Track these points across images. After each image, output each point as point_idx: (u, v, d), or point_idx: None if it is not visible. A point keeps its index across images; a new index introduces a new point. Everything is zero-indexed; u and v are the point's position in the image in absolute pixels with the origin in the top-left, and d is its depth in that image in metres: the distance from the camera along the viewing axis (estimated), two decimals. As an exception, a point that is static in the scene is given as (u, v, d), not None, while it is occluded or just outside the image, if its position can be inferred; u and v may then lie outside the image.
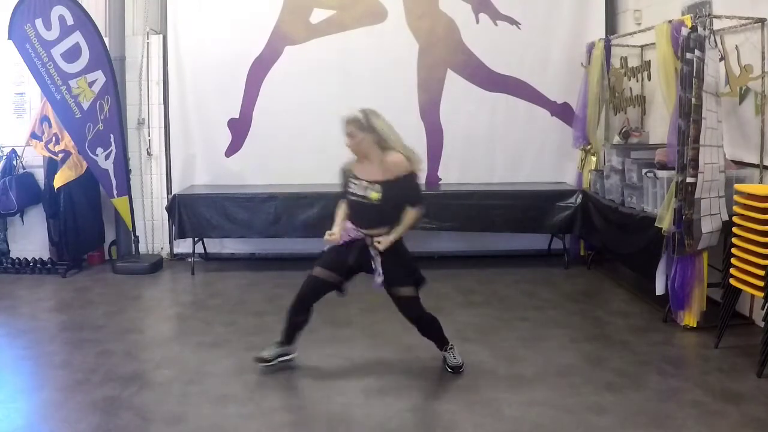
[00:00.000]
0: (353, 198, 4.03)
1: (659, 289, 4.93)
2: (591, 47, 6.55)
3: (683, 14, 5.22)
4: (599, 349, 4.46)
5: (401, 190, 3.95)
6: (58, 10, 6.21)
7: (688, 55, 4.42)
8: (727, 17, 4.73)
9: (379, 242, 3.95)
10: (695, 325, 4.72)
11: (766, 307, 3.92)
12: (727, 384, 3.87)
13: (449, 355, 4.18)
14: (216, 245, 7.14)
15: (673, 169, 4.66)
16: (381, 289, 4.06)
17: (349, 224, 4.08)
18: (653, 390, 3.82)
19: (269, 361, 4.13)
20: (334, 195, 6.44)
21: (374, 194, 3.94)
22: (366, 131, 3.94)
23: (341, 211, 4.18)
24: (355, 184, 4.02)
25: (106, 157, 6.52)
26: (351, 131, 3.96)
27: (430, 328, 4.18)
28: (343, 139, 4.01)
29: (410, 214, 3.99)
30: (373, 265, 4.01)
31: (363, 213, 4.01)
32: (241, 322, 5.13)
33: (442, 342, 4.21)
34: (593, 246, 6.59)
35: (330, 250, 4.13)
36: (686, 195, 4.48)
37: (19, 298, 5.87)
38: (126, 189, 6.67)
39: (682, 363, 4.33)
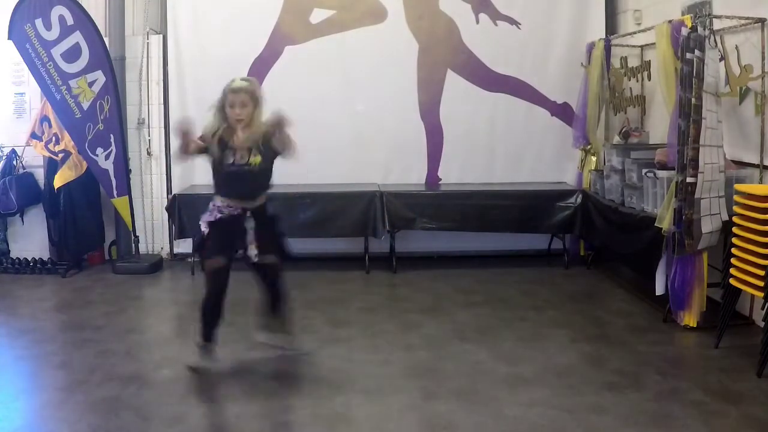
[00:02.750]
0: (231, 169, 3.99)
1: (659, 289, 4.93)
2: (591, 47, 6.55)
3: (683, 14, 5.22)
4: (599, 349, 4.47)
5: (274, 146, 3.99)
6: (58, 10, 6.21)
7: (688, 55, 4.42)
8: (727, 17, 4.73)
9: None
10: (695, 325, 4.72)
11: (766, 307, 3.92)
12: (727, 384, 3.87)
13: (288, 337, 4.29)
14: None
15: (673, 169, 4.66)
16: (255, 260, 4.07)
17: (218, 201, 4.06)
18: (653, 390, 3.82)
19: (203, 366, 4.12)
20: (334, 195, 6.57)
21: (255, 159, 3.97)
22: (256, 102, 3.99)
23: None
24: (231, 154, 3.99)
25: (106, 157, 6.52)
26: (245, 100, 3.95)
27: (286, 302, 4.25)
28: (229, 110, 3.97)
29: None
30: (249, 238, 4.02)
31: (242, 183, 4.02)
32: (241, 322, 5.12)
33: (288, 323, 4.29)
34: (593, 246, 6.59)
35: (213, 237, 4.06)
36: (686, 195, 4.47)
37: (19, 298, 5.87)
38: (126, 189, 6.67)
39: (682, 363, 4.33)
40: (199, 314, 4.16)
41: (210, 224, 4.06)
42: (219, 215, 4.04)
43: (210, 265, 4.09)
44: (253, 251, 4.05)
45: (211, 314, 4.12)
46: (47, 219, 6.73)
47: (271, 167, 4.10)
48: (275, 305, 4.28)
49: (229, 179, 4.05)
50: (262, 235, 4.08)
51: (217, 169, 4.08)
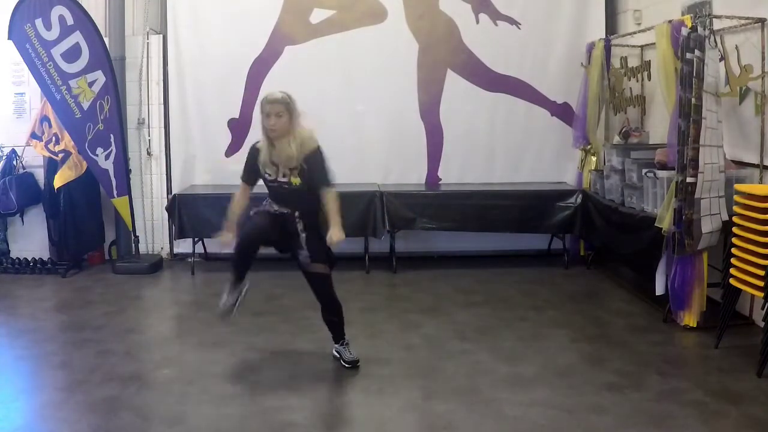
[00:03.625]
0: (273, 185, 4.02)
1: (659, 289, 4.93)
2: (591, 47, 6.55)
3: (683, 14, 5.22)
4: (599, 349, 4.47)
5: (314, 171, 3.99)
6: (58, 10, 6.21)
7: (688, 55, 4.42)
8: (727, 17, 4.73)
9: (330, 237, 3.98)
10: (695, 325, 4.72)
11: (766, 307, 3.92)
12: (727, 384, 3.87)
13: (344, 350, 4.24)
14: (216, 245, 7.10)
15: (673, 169, 4.66)
16: (306, 264, 4.08)
17: (266, 202, 4.07)
18: (653, 390, 3.82)
19: (233, 305, 4.10)
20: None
21: (295, 179, 3.98)
22: (291, 113, 3.99)
23: (237, 207, 4.18)
24: (271, 169, 4.00)
25: (106, 157, 6.52)
26: (279, 111, 3.96)
27: (335, 313, 4.24)
28: (265, 120, 3.96)
29: (332, 199, 4.03)
30: (300, 242, 4.04)
31: (284, 198, 4.03)
32: (241, 322, 5.11)
33: (339, 334, 4.27)
34: (593, 246, 6.59)
35: (258, 216, 4.06)
36: (686, 195, 4.48)
37: (19, 298, 5.87)
38: (126, 189, 6.67)
39: (682, 363, 4.33)
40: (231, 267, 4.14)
41: (258, 212, 4.07)
42: (268, 209, 4.05)
43: (223, 239, 4.10)
44: (304, 256, 4.06)
45: (238, 262, 4.09)
46: (47, 219, 6.73)
47: (313, 186, 4.05)
48: (323, 314, 4.28)
49: (272, 194, 4.08)
50: (311, 242, 4.08)
51: (255, 180, 4.15)
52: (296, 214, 4.03)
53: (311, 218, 4.09)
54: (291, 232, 4.06)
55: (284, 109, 3.97)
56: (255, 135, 6.88)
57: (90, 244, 6.83)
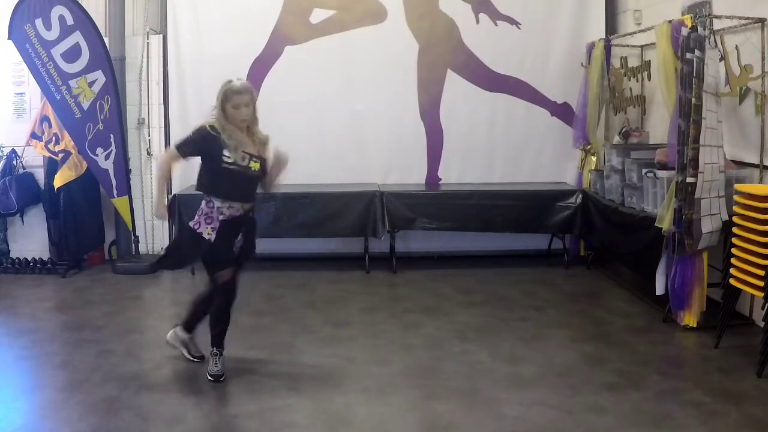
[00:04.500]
0: (235, 170, 3.96)
1: (659, 289, 4.93)
2: (591, 47, 6.55)
3: (683, 14, 5.22)
4: (599, 349, 4.47)
5: (267, 158, 4.11)
6: (58, 10, 6.21)
7: (688, 55, 4.42)
8: (727, 17, 4.73)
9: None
10: (695, 325, 4.72)
11: (766, 307, 3.92)
12: (727, 384, 3.87)
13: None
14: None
15: (673, 169, 4.66)
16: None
17: (217, 203, 4.01)
18: (653, 390, 3.82)
19: (222, 374, 4.07)
20: (334, 195, 6.57)
21: (255, 165, 4.01)
22: (254, 101, 4.05)
23: (167, 173, 4.22)
24: (238, 156, 3.96)
25: (106, 157, 6.52)
26: (249, 101, 3.99)
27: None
28: (236, 111, 3.94)
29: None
30: (237, 239, 4.08)
31: (240, 184, 4.02)
32: (241, 322, 5.12)
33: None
34: (593, 246, 6.59)
35: (220, 249, 4.02)
36: (686, 195, 4.48)
37: (19, 298, 5.87)
38: (126, 189, 6.67)
39: (682, 363, 4.33)
40: (215, 323, 4.13)
41: (216, 229, 4.00)
42: (222, 218, 4.00)
43: (224, 276, 4.07)
44: (237, 245, 4.11)
45: (226, 322, 4.17)
46: (47, 219, 6.73)
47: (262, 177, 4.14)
48: (200, 307, 4.32)
49: (229, 179, 3.99)
50: (246, 239, 4.17)
51: (214, 168, 3.99)
52: (249, 214, 4.13)
53: (253, 212, 4.20)
54: (237, 232, 4.09)
55: (251, 98, 4.02)
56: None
57: (90, 244, 6.83)
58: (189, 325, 4.36)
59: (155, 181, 4.16)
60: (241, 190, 4.06)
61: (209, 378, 4.04)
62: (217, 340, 4.13)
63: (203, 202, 4.08)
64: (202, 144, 3.99)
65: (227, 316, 4.17)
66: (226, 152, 3.93)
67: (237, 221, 4.05)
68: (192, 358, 4.33)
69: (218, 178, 4.00)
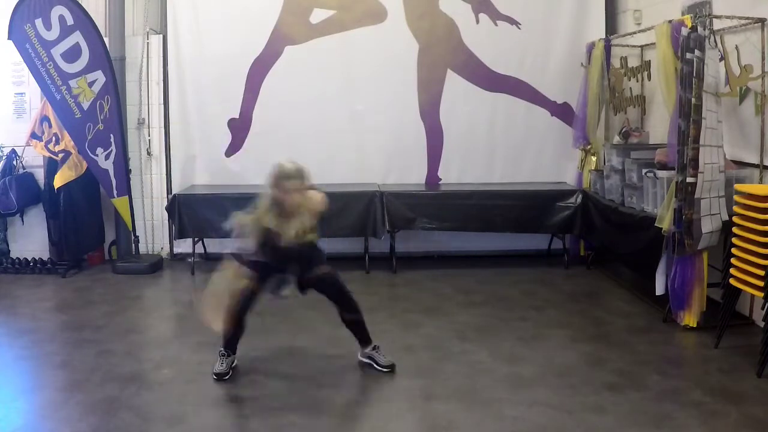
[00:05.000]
0: (280, 247, 3.96)
1: (659, 289, 4.93)
2: (591, 47, 6.55)
3: (683, 14, 5.22)
4: (599, 349, 4.47)
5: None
6: (58, 10, 6.20)
7: (688, 55, 4.42)
8: (727, 17, 4.73)
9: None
10: (695, 325, 4.72)
11: (766, 307, 3.92)
12: (727, 384, 3.87)
13: (377, 354, 4.19)
14: (216, 245, 7.12)
15: (673, 169, 4.66)
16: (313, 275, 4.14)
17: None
18: (653, 390, 3.82)
19: (226, 374, 4.09)
20: (334, 195, 6.52)
21: (312, 236, 4.05)
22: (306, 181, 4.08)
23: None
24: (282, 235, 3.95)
25: (106, 157, 6.52)
26: (299, 186, 4.02)
27: (356, 310, 4.22)
28: (287, 196, 3.97)
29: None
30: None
31: (291, 260, 4.06)
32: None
33: (366, 336, 4.25)
34: (593, 246, 6.59)
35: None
36: (686, 195, 4.47)
37: (19, 298, 5.86)
38: (126, 189, 6.67)
39: (682, 363, 4.33)
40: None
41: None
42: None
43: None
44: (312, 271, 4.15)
45: (232, 324, 4.14)
46: (47, 219, 6.73)
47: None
48: (344, 316, 4.28)
49: (276, 255, 4.02)
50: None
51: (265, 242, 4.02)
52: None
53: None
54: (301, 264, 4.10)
55: (302, 183, 4.04)
56: (255, 135, 7.03)
57: (90, 244, 6.83)
58: (363, 340, 4.26)
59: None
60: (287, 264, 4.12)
61: (213, 376, 4.04)
62: (225, 342, 4.15)
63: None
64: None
65: (233, 319, 4.09)
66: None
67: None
68: (383, 368, 4.16)
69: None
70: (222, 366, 4.08)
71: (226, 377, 4.04)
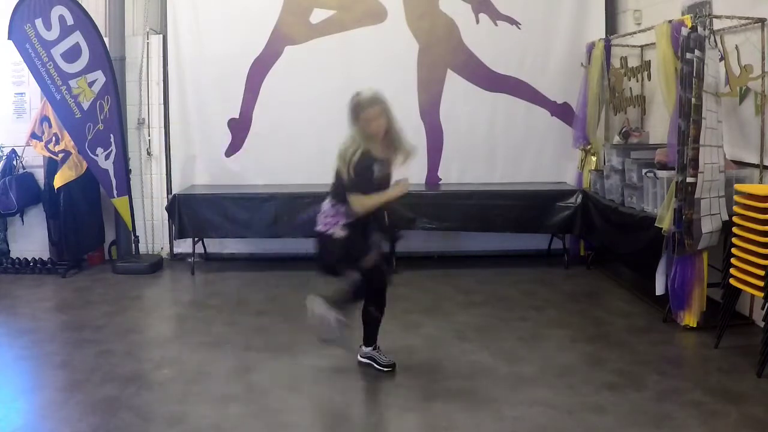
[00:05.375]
0: (376, 182, 3.90)
1: (659, 289, 4.93)
2: (591, 47, 6.55)
3: (683, 14, 5.22)
4: (599, 349, 4.46)
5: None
6: (58, 10, 6.20)
7: (688, 55, 4.42)
8: (727, 17, 4.73)
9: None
10: (695, 325, 4.72)
11: (766, 307, 3.92)
12: (727, 384, 3.87)
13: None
14: (216, 245, 7.14)
15: (673, 169, 4.66)
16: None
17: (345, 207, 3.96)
18: (653, 390, 3.82)
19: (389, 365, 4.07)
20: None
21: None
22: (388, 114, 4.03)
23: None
24: (379, 168, 3.94)
25: (106, 157, 6.52)
26: (380, 112, 4.02)
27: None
28: (373, 124, 3.96)
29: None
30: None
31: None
32: (241, 322, 5.13)
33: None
34: (593, 246, 6.59)
35: (354, 242, 3.99)
36: (686, 195, 4.47)
37: (19, 298, 5.87)
38: (126, 189, 6.67)
39: (682, 363, 4.33)
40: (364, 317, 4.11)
41: (344, 225, 3.99)
42: (348, 220, 3.97)
43: (368, 261, 3.97)
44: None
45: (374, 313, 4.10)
46: (47, 219, 6.73)
47: None
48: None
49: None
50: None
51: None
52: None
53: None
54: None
55: (382, 109, 4.06)
56: (255, 135, 7.03)
57: (90, 244, 6.83)
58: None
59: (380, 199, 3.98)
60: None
61: (384, 369, 4.07)
62: (368, 336, 4.15)
63: (328, 205, 4.05)
64: (371, 171, 3.93)
65: (363, 297, 4.06)
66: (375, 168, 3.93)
67: (364, 221, 3.98)
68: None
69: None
70: (385, 358, 4.09)
71: (391, 368, 4.05)
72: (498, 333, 4.82)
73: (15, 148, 6.78)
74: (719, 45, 4.68)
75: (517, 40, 6.97)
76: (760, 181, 4.67)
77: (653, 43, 5.39)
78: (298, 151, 6.98)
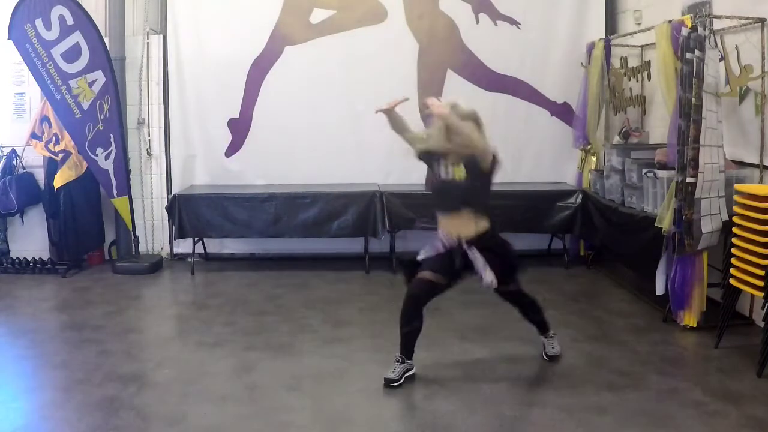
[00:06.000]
0: (439, 182, 3.95)
1: (659, 289, 4.93)
2: (591, 47, 6.55)
3: (683, 14, 5.22)
4: (599, 349, 4.47)
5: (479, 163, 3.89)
6: (58, 10, 6.20)
7: (688, 55, 4.42)
8: (727, 17, 4.73)
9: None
10: (695, 325, 4.72)
11: (766, 307, 3.92)
12: (727, 384, 3.87)
13: (548, 343, 4.29)
14: (216, 245, 7.14)
15: (673, 169, 4.66)
16: (489, 288, 3.94)
17: (439, 232, 3.97)
18: (653, 390, 3.82)
19: (396, 380, 3.89)
20: (334, 195, 6.57)
21: (459, 172, 3.95)
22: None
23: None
24: (440, 166, 3.97)
25: (106, 157, 6.52)
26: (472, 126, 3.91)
27: (532, 310, 4.28)
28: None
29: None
30: (476, 266, 3.87)
31: (446, 196, 4.00)
32: (241, 322, 5.13)
33: (543, 327, 4.32)
34: (593, 246, 6.59)
35: (435, 257, 3.93)
36: (686, 195, 4.48)
37: (19, 298, 5.87)
38: (126, 189, 6.67)
39: (682, 363, 4.33)
40: (401, 327, 3.99)
41: (431, 249, 3.98)
42: (443, 245, 3.93)
43: (421, 276, 3.91)
44: (488, 278, 3.85)
45: (410, 323, 3.94)
46: (47, 219, 6.73)
47: (479, 185, 4.01)
48: (527, 317, 4.33)
49: (437, 193, 4.07)
50: (493, 262, 3.89)
51: (430, 181, 4.07)
52: (463, 244, 3.89)
53: (483, 236, 3.95)
54: (462, 260, 3.88)
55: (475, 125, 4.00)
56: (255, 135, 7.03)
57: (90, 244, 6.83)
58: (406, 352, 4.05)
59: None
60: (444, 201, 4.02)
61: (384, 381, 3.91)
62: (401, 346, 4.00)
63: None
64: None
65: (407, 318, 3.93)
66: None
67: (458, 249, 3.90)
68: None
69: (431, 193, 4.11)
70: (394, 372, 3.91)
71: (395, 384, 3.88)
72: (498, 333, 4.82)
73: (15, 148, 6.78)
74: (719, 45, 4.68)
75: (517, 40, 6.97)
76: (760, 181, 4.67)
77: (653, 43, 5.39)
78: (298, 151, 6.98)
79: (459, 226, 3.94)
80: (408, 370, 3.98)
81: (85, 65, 6.33)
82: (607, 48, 6.39)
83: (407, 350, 3.99)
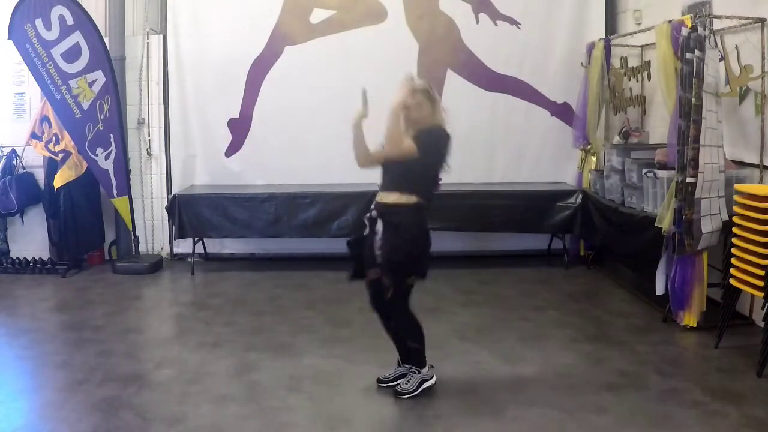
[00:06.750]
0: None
1: (659, 289, 4.93)
2: (591, 47, 6.55)
3: (683, 14, 5.22)
4: (599, 349, 4.46)
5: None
6: (58, 10, 6.20)
7: (688, 55, 4.42)
8: (727, 17, 4.73)
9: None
10: (695, 325, 4.72)
11: (766, 307, 3.92)
12: (727, 384, 3.87)
13: (406, 378, 3.80)
14: (216, 245, 7.14)
15: (673, 169, 4.66)
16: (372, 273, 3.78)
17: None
18: (653, 390, 3.82)
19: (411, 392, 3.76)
20: (334, 195, 6.57)
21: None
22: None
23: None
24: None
25: (106, 157, 6.52)
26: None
27: (409, 334, 3.84)
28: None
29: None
30: (375, 239, 3.78)
31: (386, 171, 3.98)
32: (241, 322, 5.13)
33: (413, 358, 3.83)
34: (593, 246, 6.59)
35: (364, 248, 3.85)
36: (686, 195, 4.47)
37: (19, 298, 5.87)
38: (126, 189, 6.67)
39: (682, 363, 4.33)
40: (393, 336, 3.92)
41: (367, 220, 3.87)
42: (367, 214, 3.90)
43: (368, 279, 3.85)
44: (379, 257, 3.73)
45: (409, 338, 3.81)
46: (47, 219, 6.73)
47: (411, 166, 3.94)
48: (395, 338, 3.93)
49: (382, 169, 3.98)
50: (386, 243, 3.71)
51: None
52: (375, 213, 3.81)
53: (394, 212, 3.81)
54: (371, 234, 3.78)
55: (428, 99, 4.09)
56: (255, 135, 7.03)
57: (90, 244, 6.83)
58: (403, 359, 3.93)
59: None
60: (383, 176, 4.01)
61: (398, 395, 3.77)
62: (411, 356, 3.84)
63: None
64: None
65: (401, 331, 3.86)
66: None
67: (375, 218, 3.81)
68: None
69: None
70: (408, 383, 3.77)
71: (405, 397, 3.75)
72: (498, 333, 4.82)
73: (15, 148, 6.78)
74: (719, 45, 4.68)
75: (517, 40, 6.97)
76: (760, 181, 4.67)
77: (653, 43, 5.39)
78: (298, 151, 6.98)
79: (385, 197, 3.91)
80: (426, 380, 3.84)
81: (85, 65, 6.33)
82: (607, 48, 6.39)
83: (415, 359, 3.86)
